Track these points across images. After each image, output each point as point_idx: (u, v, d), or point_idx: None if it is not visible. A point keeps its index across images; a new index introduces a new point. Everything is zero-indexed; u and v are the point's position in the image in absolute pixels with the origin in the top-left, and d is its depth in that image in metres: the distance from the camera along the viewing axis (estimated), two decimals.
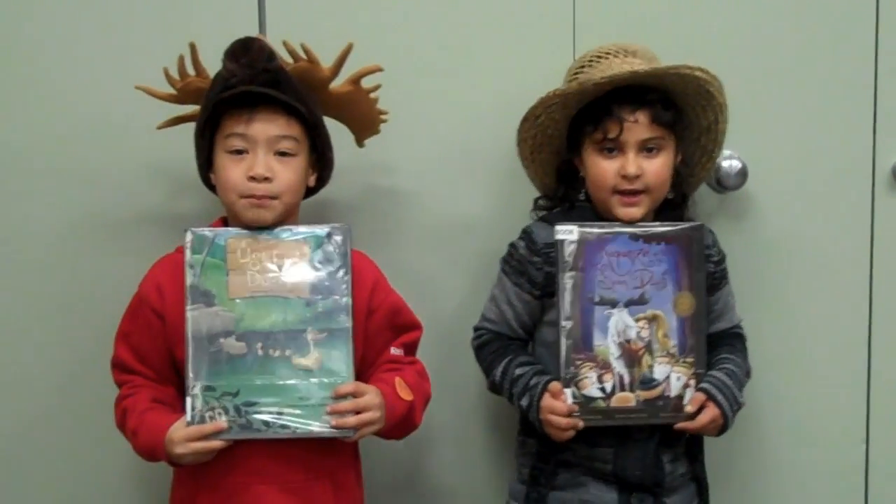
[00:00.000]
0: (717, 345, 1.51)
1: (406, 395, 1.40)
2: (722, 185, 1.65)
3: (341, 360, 1.34)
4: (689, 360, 1.42)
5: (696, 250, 1.43)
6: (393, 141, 1.58)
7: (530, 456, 1.50)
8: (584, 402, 1.41)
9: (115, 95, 1.57)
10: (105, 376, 1.44)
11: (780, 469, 1.74)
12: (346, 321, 1.35)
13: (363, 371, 1.41)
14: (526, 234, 1.51)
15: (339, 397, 1.33)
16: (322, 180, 1.49)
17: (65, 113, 1.60)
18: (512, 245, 1.52)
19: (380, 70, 1.44)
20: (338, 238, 1.36)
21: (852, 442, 1.74)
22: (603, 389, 1.41)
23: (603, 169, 1.44)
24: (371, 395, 1.34)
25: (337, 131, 1.50)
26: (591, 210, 1.50)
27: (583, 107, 1.45)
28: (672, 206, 1.52)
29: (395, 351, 1.46)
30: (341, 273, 1.35)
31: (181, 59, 1.40)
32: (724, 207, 1.69)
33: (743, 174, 1.64)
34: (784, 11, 1.67)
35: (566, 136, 1.49)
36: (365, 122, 1.52)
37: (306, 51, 1.41)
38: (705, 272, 1.45)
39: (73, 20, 1.59)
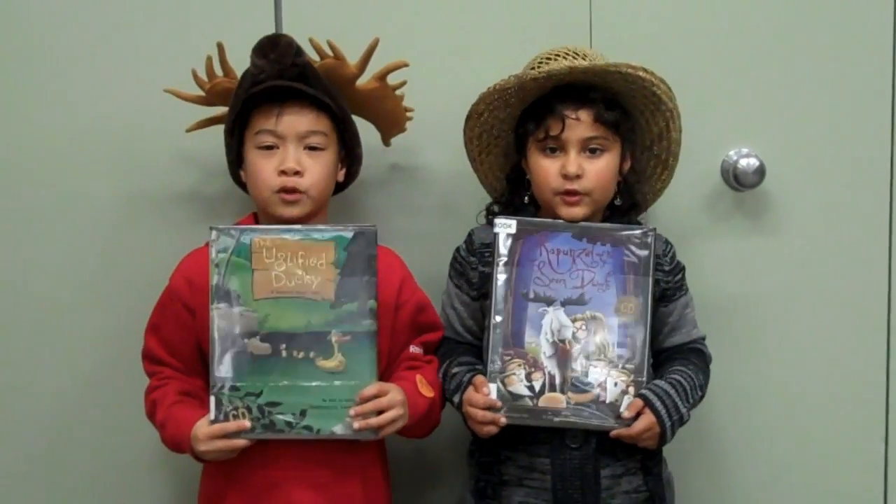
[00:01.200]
0: (671, 358, 1.47)
1: (427, 391, 1.40)
2: (739, 183, 1.64)
3: (365, 363, 1.34)
4: (630, 366, 1.38)
5: (645, 255, 1.39)
6: (416, 139, 1.58)
7: (476, 466, 1.47)
8: (511, 400, 1.37)
9: (135, 93, 1.58)
10: (137, 364, 1.46)
11: (799, 469, 1.73)
12: (370, 324, 1.34)
13: (387, 368, 1.43)
14: (469, 235, 1.50)
15: (363, 400, 1.33)
16: (351, 175, 1.50)
17: (88, 107, 1.61)
18: (456, 248, 1.51)
19: (405, 66, 1.44)
20: (364, 240, 1.35)
21: (871, 441, 1.73)
22: (532, 388, 1.37)
23: (545, 169, 1.42)
24: (393, 394, 1.34)
25: (366, 128, 1.51)
26: (535, 214, 1.47)
27: (527, 107, 1.44)
28: (620, 213, 1.47)
29: (414, 349, 1.46)
30: (367, 275, 1.34)
31: (209, 59, 1.41)
32: (742, 205, 1.68)
33: (760, 172, 1.63)
34: (801, 8, 1.67)
35: (514, 140, 1.48)
36: (391, 119, 1.52)
37: (332, 48, 1.41)
38: (653, 278, 1.40)
39: (97, 23, 1.61)
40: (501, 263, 1.39)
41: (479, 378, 1.39)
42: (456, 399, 1.42)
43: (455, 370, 1.44)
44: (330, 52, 1.41)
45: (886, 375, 1.72)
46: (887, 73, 1.68)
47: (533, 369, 1.37)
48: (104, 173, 1.61)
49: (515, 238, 1.39)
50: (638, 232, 1.40)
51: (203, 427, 1.33)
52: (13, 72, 1.60)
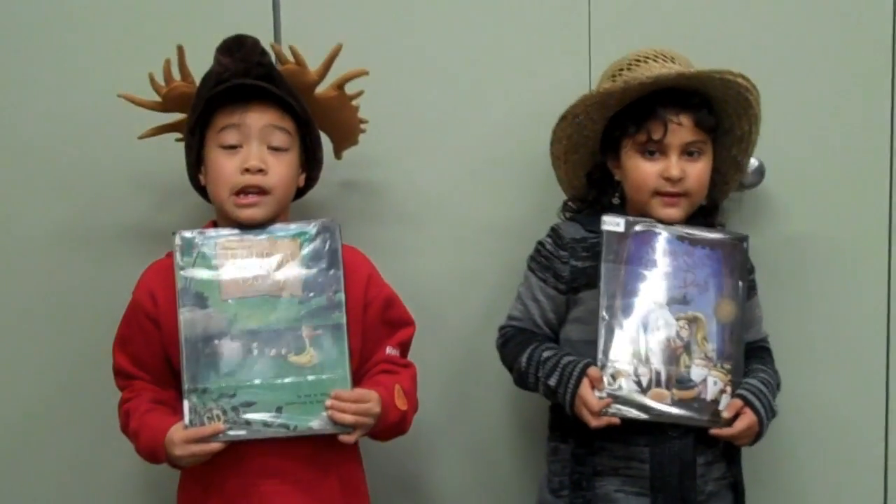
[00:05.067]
0: (746, 356, 1.47)
1: (402, 404, 1.40)
2: (739, 183, 1.62)
3: (337, 355, 1.33)
4: (727, 366, 1.41)
5: (740, 260, 1.44)
6: (406, 146, 1.61)
7: (564, 463, 1.47)
8: (620, 394, 1.39)
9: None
10: (102, 381, 1.45)
11: (797, 467, 1.72)
12: (340, 317, 1.34)
13: (359, 368, 1.41)
14: (553, 231, 1.51)
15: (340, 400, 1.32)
16: (311, 180, 1.49)
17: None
18: (539, 242, 1.52)
19: (365, 74, 1.44)
20: (327, 234, 1.36)
21: (871, 440, 1.72)
22: (639, 383, 1.39)
23: (645, 171, 1.44)
24: (372, 405, 1.34)
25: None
26: (623, 213, 1.48)
27: (621, 108, 1.45)
28: (704, 212, 1.51)
29: (390, 351, 1.45)
30: (333, 269, 1.35)
31: (167, 63, 1.40)
32: (742, 205, 1.68)
33: (760, 172, 1.63)
34: (800, 10, 1.66)
35: (602, 140, 1.49)
36: (345, 130, 1.53)
37: (294, 53, 1.41)
38: (747, 283, 1.44)
39: (79, 31, 1.63)
40: (611, 260, 1.41)
41: (595, 370, 1.39)
42: (552, 381, 1.42)
43: (546, 354, 1.45)
44: (291, 58, 1.41)
45: (886, 376, 1.71)
46: (886, 74, 1.67)
47: (640, 365, 1.40)
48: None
49: (623, 236, 1.41)
50: (735, 239, 1.45)
51: (178, 432, 1.31)
52: None
